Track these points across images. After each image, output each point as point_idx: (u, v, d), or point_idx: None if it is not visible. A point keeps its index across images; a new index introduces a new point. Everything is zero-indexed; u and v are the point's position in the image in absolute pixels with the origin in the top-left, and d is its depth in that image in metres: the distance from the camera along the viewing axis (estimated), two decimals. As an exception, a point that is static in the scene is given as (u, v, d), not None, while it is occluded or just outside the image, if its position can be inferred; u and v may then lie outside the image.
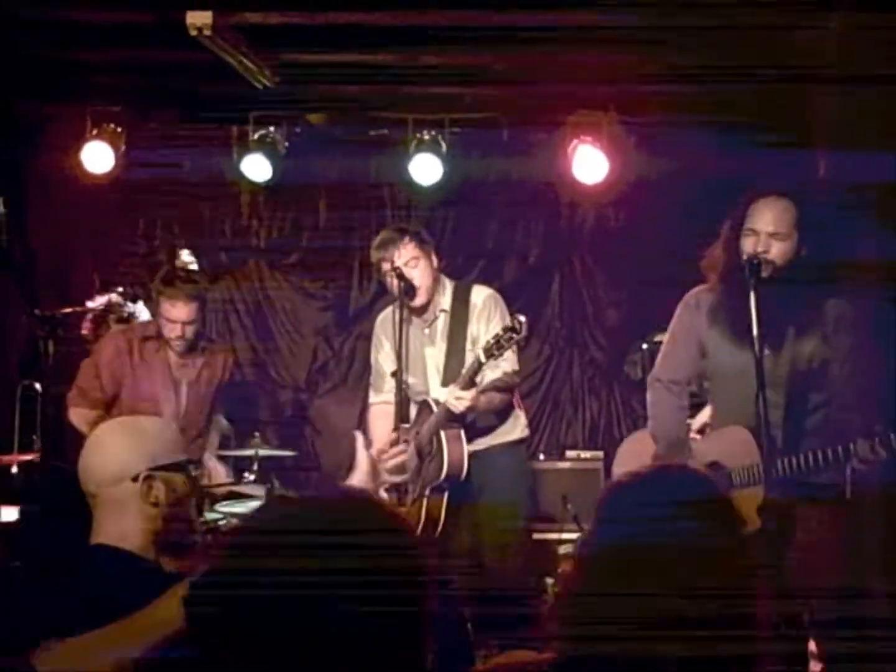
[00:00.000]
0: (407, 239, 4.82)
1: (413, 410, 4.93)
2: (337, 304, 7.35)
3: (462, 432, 4.64)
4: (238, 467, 5.69)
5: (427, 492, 4.68)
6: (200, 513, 4.13)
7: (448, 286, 4.93)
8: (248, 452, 5.71)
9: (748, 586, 1.55)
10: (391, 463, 4.73)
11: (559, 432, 7.16)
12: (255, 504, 5.60)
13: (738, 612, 1.49)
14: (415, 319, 4.91)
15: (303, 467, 7.00)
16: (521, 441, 4.97)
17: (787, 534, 3.57)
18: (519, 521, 4.89)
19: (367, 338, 7.27)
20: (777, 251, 3.66)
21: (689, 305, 3.99)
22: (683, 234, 6.28)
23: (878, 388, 3.61)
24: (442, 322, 4.88)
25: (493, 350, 4.25)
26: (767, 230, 3.68)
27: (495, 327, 4.55)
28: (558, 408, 7.18)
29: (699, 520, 1.56)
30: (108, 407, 5.38)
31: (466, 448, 4.66)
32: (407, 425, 4.85)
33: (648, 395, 4.11)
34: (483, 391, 4.57)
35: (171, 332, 5.33)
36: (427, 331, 4.90)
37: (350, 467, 7.21)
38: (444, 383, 4.73)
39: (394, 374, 4.83)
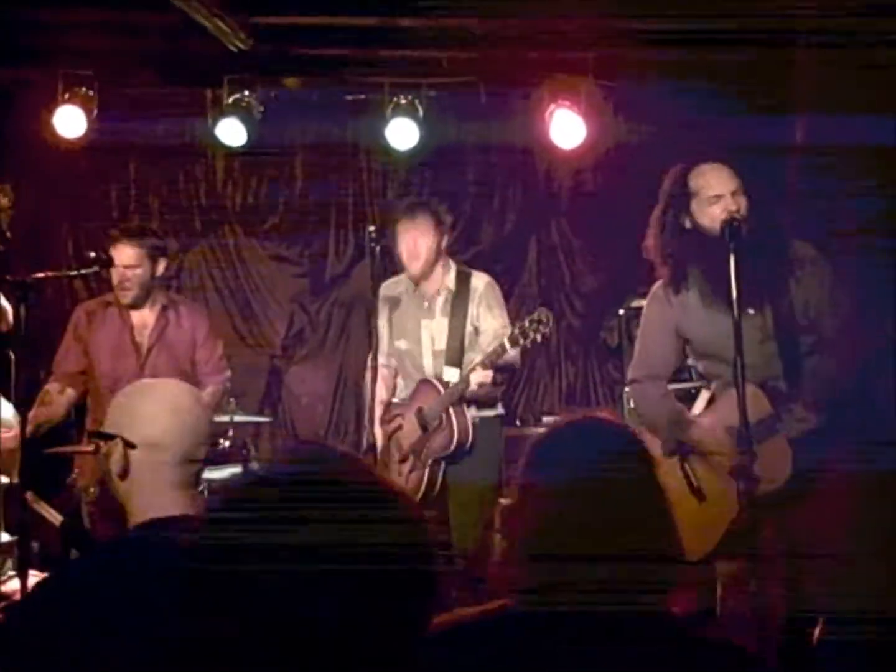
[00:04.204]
0: (426, 211, 5.07)
1: (401, 383, 5.20)
2: (313, 271, 7.32)
3: (465, 407, 4.93)
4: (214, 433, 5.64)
5: (429, 462, 4.97)
6: None
7: (452, 267, 5.12)
8: (224, 418, 5.65)
9: (664, 523, 1.73)
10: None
11: (535, 398, 7.18)
12: (231, 470, 5.58)
13: (656, 545, 1.68)
14: (415, 293, 5.13)
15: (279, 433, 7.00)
16: (498, 416, 5.18)
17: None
18: (492, 490, 4.93)
19: (344, 304, 7.30)
20: (744, 207, 3.62)
21: (657, 298, 3.94)
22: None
23: (857, 325, 3.56)
24: (443, 299, 5.06)
25: (519, 339, 4.58)
26: (731, 189, 3.64)
27: (497, 315, 4.98)
28: (535, 374, 7.19)
29: (620, 463, 1.71)
30: (83, 380, 5.27)
31: (470, 420, 4.95)
32: (396, 400, 5.16)
33: (632, 397, 4.09)
34: (496, 369, 4.83)
35: (116, 277, 5.09)
36: (426, 304, 5.09)
37: (326, 433, 7.27)
38: (448, 361, 4.99)
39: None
